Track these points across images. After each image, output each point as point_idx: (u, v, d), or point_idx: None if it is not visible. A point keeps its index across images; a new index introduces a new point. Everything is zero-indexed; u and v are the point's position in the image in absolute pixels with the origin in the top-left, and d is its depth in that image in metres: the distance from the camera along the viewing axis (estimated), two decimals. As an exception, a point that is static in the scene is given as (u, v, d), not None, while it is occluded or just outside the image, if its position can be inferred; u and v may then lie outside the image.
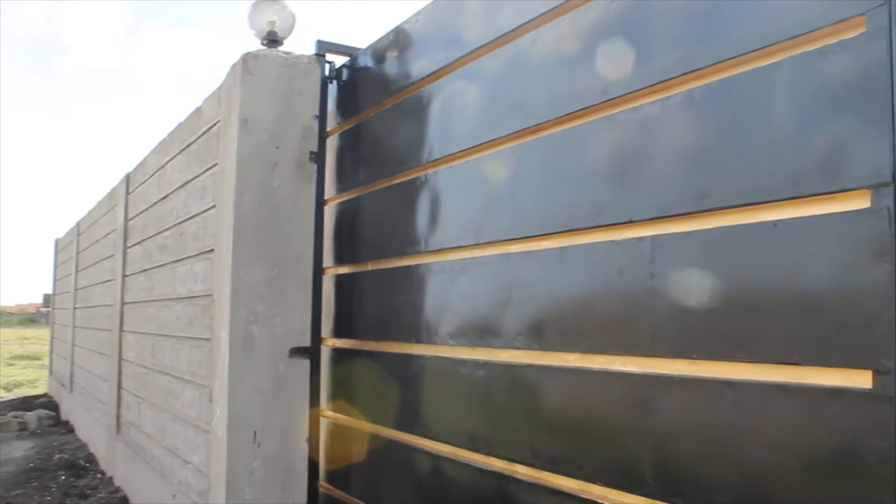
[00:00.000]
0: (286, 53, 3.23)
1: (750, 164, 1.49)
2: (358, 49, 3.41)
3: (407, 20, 2.94)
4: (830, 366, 1.34)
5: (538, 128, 2.11)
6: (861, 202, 1.31)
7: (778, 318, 1.43)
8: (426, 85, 2.77)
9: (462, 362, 2.38)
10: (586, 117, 1.96)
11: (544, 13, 2.11)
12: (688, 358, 1.61)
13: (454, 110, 2.59)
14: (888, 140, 1.27)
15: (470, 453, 2.35)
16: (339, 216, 3.35)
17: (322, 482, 3.23)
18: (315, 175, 3.23)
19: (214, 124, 3.51)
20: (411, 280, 2.78)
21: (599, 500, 1.82)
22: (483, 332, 2.28)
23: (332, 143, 3.37)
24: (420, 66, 2.81)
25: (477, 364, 2.30)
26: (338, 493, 3.19)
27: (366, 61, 3.26)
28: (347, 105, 3.36)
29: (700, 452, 1.58)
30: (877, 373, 1.26)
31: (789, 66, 1.44)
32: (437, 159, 2.64)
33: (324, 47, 3.36)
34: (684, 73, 1.65)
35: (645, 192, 1.74)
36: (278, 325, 3.10)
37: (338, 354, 3.28)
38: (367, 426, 3.01)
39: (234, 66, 3.22)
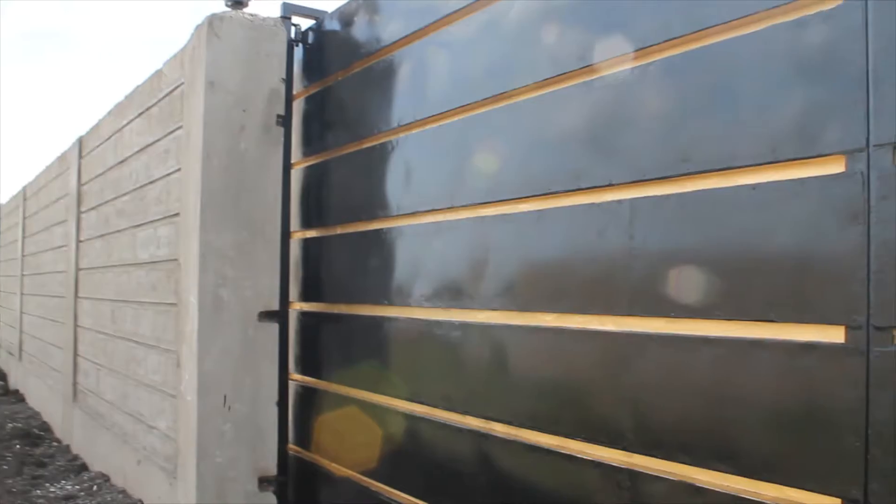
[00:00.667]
0: (252, 15, 3.18)
1: (729, 130, 1.55)
2: (324, 12, 3.38)
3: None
4: (806, 322, 1.41)
5: (516, 92, 2.13)
6: (837, 167, 1.37)
7: (755, 278, 1.50)
8: (398, 49, 2.77)
9: (438, 323, 2.42)
10: (564, 83, 1.99)
11: (521, -22, 2.13)
12: (666, 317, 1.68)
13: (429, 74, 2.60)
14: (863, 108, 1.34)
15: (444, 412, 2.40)
16: (305, 180, 3.34)
17: (291, 445, 3.26)
18: (282, 139, 3.21)
19: (177, 87, 3.45)
20: (384, 243, 2.80)
21: (578, 455, 1.89)
22: (459, 294, 2.32)
23: (297, 107, 3.35)
24: (392, 30, 2.80)
25: (452, 325, 2.35)
26: (308, 454, 3.22)
27: (333, 25, 3.24)
28: (314, 69, 3.34)
29: (678, 406, 1.66)
30: (849, 328, 1.34)
31: (768, 34, 1.49)
32: (410, 123, 2.65)
33: (289, 9, 3.32)
34: (665, 41, 1.70)
35: (625, 157, 1.78)
36: (247, 289, 3.10)
37: (306, 318, 3.30)
38: (336, 388, 3.04)
39: (198, 28, 3.16)
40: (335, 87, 3.20)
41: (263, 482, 3.11)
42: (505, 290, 2.16)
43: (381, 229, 2.81)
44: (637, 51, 1.75)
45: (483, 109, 2.27)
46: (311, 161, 3.32)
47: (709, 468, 1.57)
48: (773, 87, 1.48)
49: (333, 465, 3.06)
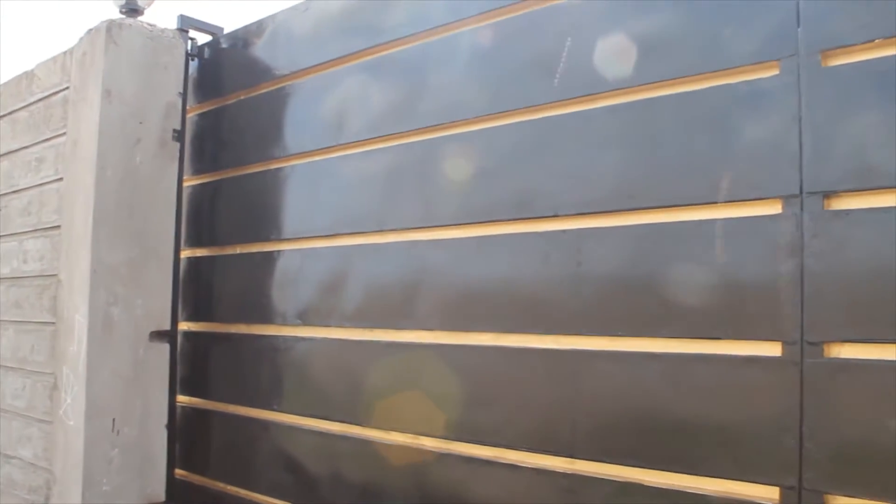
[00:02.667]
0: (151, 25, 3.10)
1: (682, 173, 1.81)
2: (220, 28, 3.35)
3: (287, 9, 2.96)
4: (746, 339, 1.68)
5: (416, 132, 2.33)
6: (775, 209, 1.66)
7: (701, 301, 1.75)
8: (296, 80, 2.86)
9: (353, 343, 2.51)
10: (501, 120, 2.19)
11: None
12: (613, 335, 1.90)
13: (349, 103, 2.68)
14: (797, 161, 1.63)
15: (363, 429, 2.49)
16: (196, 198, 3.27)
17: (179, 469, 3.16)
18: (178, 154, 3.13)
19: (57, 92, 3.25)
20: (291, 264, 2.83)
21: (518, 464, 2.06)
22: (392, 315, 2.43)
23: (189, 123, 3.28)
24: (286, 61, 2.89)
25: (370, 344, 2.45)
26: (197, 478, 3.14)
27: (228, 44, 3.22)
28: (208, 85, 3.29)
29: (624, 415, 1.88)
30: (785, 343, 1.62)
31: (721, 92, 1.77)
32: (329, 147, 2.72)
33: (186, 22, 3.25)
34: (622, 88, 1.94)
35: (579, 190, 2.00)
36: (139, 308, 2.98)
37: (195, 338, 3.22)
38: (232, 409, 3.01)
39: (92, 33, 3.02)
40: (231, 107, 3.19)
41: (151, 508, 2.99)
42: (435, 311, 2.30)
43: (286, 251, 2.85)
44: (588, 95, 1.98)
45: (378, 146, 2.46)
46: (203, 179, 3.27)
47: (657, 469, 1.80)
48: (722, 139, 1.75)
49: (221, 485, 3.01)
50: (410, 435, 2.34)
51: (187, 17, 3.26)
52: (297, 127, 2.88)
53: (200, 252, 3.25)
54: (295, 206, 2.87)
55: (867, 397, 1.54)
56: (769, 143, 1.70)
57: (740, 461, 1.67)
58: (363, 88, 2.63)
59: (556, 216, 2.03)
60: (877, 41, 1.59)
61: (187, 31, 3.24)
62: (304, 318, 2.73)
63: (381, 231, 2.49)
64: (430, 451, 2.28)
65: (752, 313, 1.68)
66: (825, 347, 1.60)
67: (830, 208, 1.62)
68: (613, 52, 1.94)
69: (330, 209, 2.69)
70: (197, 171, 3.28)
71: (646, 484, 1.81)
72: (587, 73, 2.00)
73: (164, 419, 3.04)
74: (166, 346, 3.06)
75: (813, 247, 1.61)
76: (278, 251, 2.88)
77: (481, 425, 2.16)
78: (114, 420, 2.90)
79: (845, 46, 1.63)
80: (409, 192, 2.42)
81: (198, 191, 3.27)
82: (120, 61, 2.96)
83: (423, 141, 2.39)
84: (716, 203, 1.76)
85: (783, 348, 1.63)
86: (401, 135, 2.45)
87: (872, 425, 1.53)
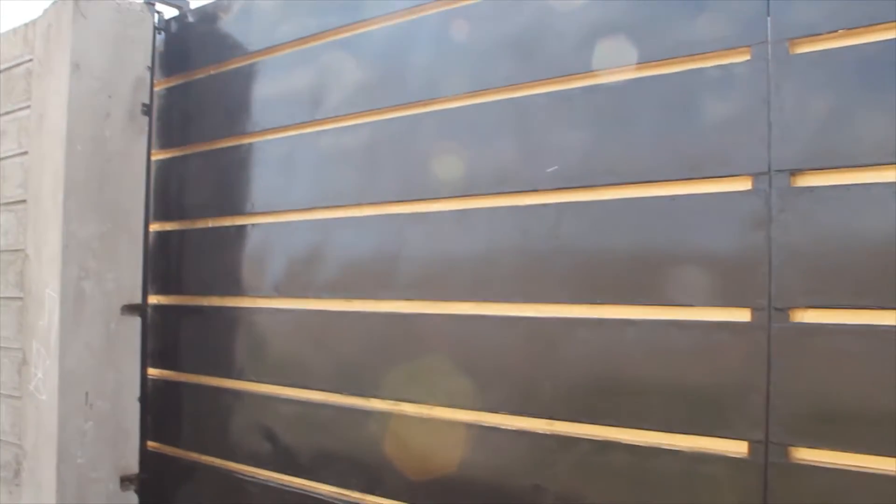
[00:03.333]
0: (118, -2, 3.07)
1: (657, 150, 1.93)
2: (185, 2, 3.33)
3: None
4: (718, 306, 1.82)
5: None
6: (745, 185, 1.79)
7: (675, 272, 1.88)
8: (263, 57, 2.91)
9: (336, 313, 2.58)
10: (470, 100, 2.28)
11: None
12: (592, 303, 2.02)
13: (322, 80, 2.73)
14: (766, 141, 1.76)
15: (344, 397, 2.57)
16: (164, 172, 3.27)
17: (152, 441, 3.18)
18: (147, 128, 3.12)
19: (19, 64, 3.20)
20: (268, 238, 2.88)
21: (500, 427, 2.17)
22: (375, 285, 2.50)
23: (156, 97, 3.26)
24: (257, 37, 2.93)
25: (362, 315, 2.52)
26: (169, 449, 3.17)
27: (203, 18, 3.21)
28: (174, 60, 3.28)
29: (603, 378, 2.00)
30: (754, 309, 1.76)
31: (691, 76, 1.89)
32: (299, 124, 2.77)
33: (155, -4, 3.23)
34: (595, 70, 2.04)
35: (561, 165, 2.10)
36: (110, 282, 2.99)
37: (166, 311, 3.23)
38: (205, 380, 3.05)
39: (58, 4, 2.98)
40: (200, 81, 3.19)
41: (125, 481, 3.02)
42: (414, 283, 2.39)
43: (260, 224, 2.89)
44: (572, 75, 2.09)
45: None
46: (171, 153, 3.27)
47: (633, 428, 1.94)
48: (696, 120, 1.88)
49: (194, 455, 3.06)
50: (391, 402, 2.43)
51: (154, -10, 3.23)
52: (270, 103, 2.91)
53: (170, 226, 3.25)
54: (268, 181, 2.90)
55: (828, 358, 1.70)
56: (740, 124, 1.83)
57: (712, 419, 1.82)
58: (337, 65, 2.68)
59: (535, 191, 2.14)
60: (840, 31, 1.72)
61: (154, 4, 3.21)
62: (280, 290, 2.78)
63: (358, 205, 2.56)
64: (412, 417, 2.37)
65: (724, 282, 1.81)
66: (790, 313, 1.74)
67: (796, 185, 1.75)
68: (594, 37, 2.04)
69: (306, 184, 2.74)
70: (164, 146, 3.27)
71: (623, 442, 1.94)
72: (568, 56, 2.10)
73: (137, 392, 3.06)
74: (138, 320, 3.08)
75: (780, 221, 1.75)
76: (252, 224, 2.91)
77: (462, 391, 2.26)
78: (87, 393, 2.91)
79: (811, 35, 1.76)
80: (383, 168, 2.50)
81: (166, 165, 3.26)
82: (88, 34, 2.94)
83: (401, 118, 2.46)
84: (690, 179, 1.89)
85: (752, 314, 1.77)
86: (375, 111, 2.52)
87: (832, 383, 1.69)
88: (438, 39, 2.40)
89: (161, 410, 3.19)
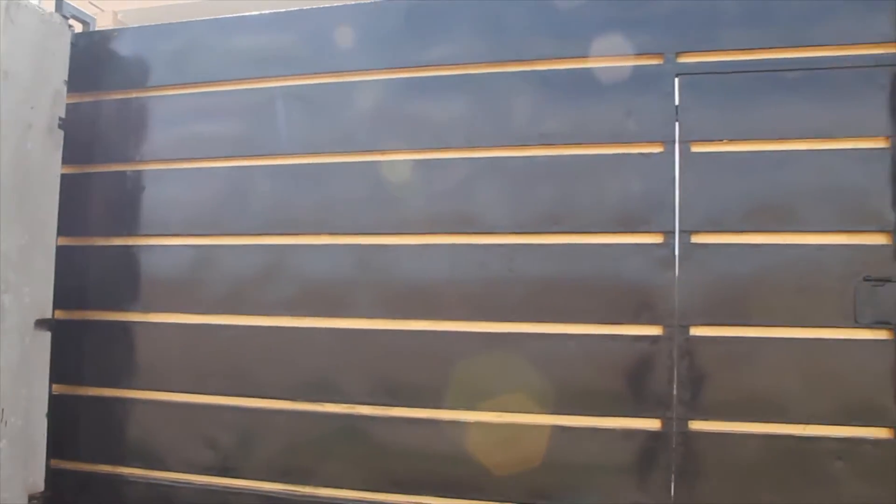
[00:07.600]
0: (41, 8, 3.05)
1: (592, 210, 2.64)
2: (92, 18, 3.37)
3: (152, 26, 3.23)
4: (639, 323, 2.57)
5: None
6: (659, 239, 2.57)
7: (606, 298, 2.60)
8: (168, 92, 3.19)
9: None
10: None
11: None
12: (539, 322, 2.66)
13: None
14: (673, 208, 2.56)
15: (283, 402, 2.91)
16: (72, 188, 3.25)
17: (55, 457, 3.14)
18: (61, 142, 3.12)
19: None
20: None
21: (458, 420, 2.71)
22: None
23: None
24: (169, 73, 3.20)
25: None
26: (69, 464, 3.16)
27: (106, 41, 3.29)
28: (82, 77, 3.29)
29: (546, 375, 2.65)
30: (665, 326, 2.54)
31: (623, 158, 2.63)
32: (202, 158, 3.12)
33: (67, 9, 3.22)
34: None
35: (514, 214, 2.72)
36: (26, 296, 2.95)
37: (71, 326, 3.21)
38: (99, 392, 3.15)
39: (-16, 9, 2.89)
40: (101, 104, 3.26)
41: (33, 500, 2.97)
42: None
43: (148, 245, 3.16)
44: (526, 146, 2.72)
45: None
46: (81, 169, 3.26)
47: (574, 415, 2.61)
48: (624, 190, 2.62)
49: (90, 466, 3.14)
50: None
51: (68, 4, 3.23)
52: (152, 137, 3.20)
53: (76, 241, 3.24)
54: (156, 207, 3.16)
55: (715, 359, 2.53)
56: (656, 196, 2.61)
57: (635, 404, 2.56)
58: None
59: (493, 232, 2.74)
60: (725, 140, 2.58)
61: (68, 18, 3.21)
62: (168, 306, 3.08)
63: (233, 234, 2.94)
64: (365, 417, 2.81)
65: (643, 306, 2.58)
66: (690, 329, 2.55)
67: (694, 241, 2.58)
68: (552, 117, 2.71)
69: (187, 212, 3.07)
70: (70, 162, 3.26)
71: (565, 425, 2.61)
72: (530, 131, 2.74)
73: (45, 408, 3.03)
74: (48, 335, 3.05)
75: (683, 265, 2.56)
76: (140, 245, 3.14)
77: (422, 392, 2.76)
78: (3, 410, 2.85)
79: (706, 140, 2.60)
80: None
81: (75, 181, 3.25)
82: (17, 42, 2.90)
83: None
84: (618, 232, 2.63)
85: (663, 329, 2.55)
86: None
87: (718, 376, 2.52)
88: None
89: (60, 426, 3.16)
